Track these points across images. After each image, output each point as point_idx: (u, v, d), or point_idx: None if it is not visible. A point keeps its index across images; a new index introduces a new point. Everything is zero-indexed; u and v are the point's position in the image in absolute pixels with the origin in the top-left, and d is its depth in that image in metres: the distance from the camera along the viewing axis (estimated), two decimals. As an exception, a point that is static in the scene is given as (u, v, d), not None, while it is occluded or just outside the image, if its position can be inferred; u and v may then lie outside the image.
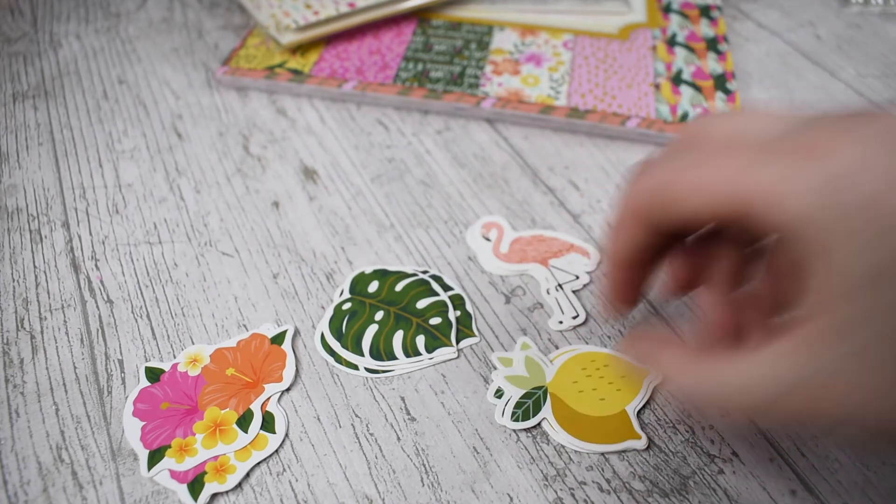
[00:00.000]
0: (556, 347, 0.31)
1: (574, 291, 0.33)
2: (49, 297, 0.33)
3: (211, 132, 0.42)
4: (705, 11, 0.50)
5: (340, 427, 0.28)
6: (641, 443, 0.27)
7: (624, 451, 0.27)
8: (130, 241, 0.35)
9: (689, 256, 0.25)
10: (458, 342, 0.31)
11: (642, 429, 0.28)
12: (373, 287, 0.33)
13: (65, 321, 0.32)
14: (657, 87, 0.43)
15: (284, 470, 0.27)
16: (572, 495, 0.26)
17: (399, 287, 0.33)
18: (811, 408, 0.18)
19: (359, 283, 0.33)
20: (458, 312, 0.32)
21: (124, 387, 0.29)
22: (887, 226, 0.16)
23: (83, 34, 0.49)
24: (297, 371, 0.30)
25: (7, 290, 0.33)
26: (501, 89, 0.43)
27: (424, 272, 0.34)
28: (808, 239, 0.17)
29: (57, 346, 0.31)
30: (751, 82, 0.46)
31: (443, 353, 0.31)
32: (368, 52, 0.46)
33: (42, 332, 0.31)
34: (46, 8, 0.52)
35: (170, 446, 0.27)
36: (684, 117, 0.41)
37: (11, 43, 0.48)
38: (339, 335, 0.31)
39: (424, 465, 0.27)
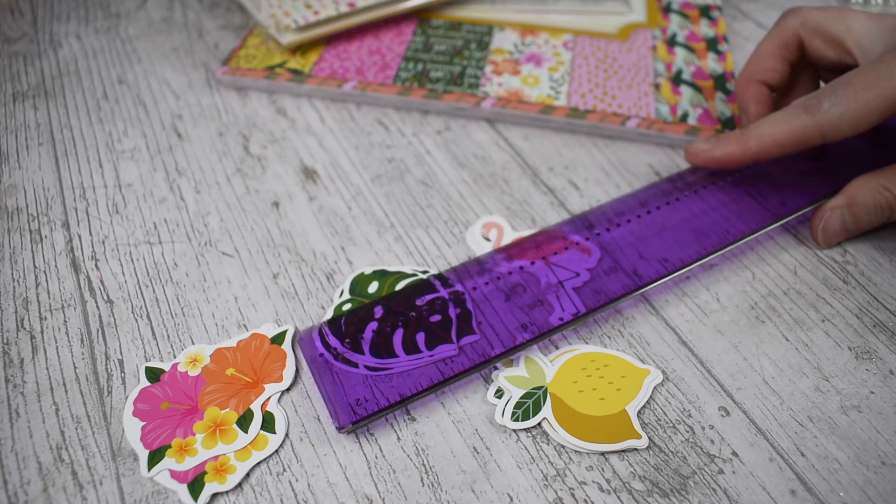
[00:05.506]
0: (556, 347, 0.31)
1: (574, 289, 0.33)
2: (49, 297, 0.33)
3: (211, 132, 0.42)
4: (705, 11, 0.50)
5: (340, 427, 0.28)
6: (642, 442, 0.27)
7: (624, 451, 0.27)
8: (130, 241, 0.35)
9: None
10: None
11: (642, 428, 0.28)
12: (373, 287, 0.33)
13: (65, 321, 0.32)
14: (657, 87, 0.43)
15: (284, 470, 0.27)
16: (572, 495, 0.26)
17: (399, 287, 0.33)
18: None
19: (359, 284, 0.33)
20: (459, 311, 0.32)
21: (124, 387, 0.29)
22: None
23: (83, 34, 0.49)
24: (297, 371, 0.30)
25: (7, 290, 0.33)
26: (501, 89, 0.43)
27: (424, 272, 0.34)
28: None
29: (57, 346, 0.31)
30: (751, 82, 0.46)
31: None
32: (368, 52, 0.46)
33: (42, 332, 0.31)
34: (46, 8, 0.52)
35: (170, 446, 0.27)
36: (684, 117, 0.41)
37: (11, 43, 0.48)
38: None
39: (424, 465, 0.27)
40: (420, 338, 0.30)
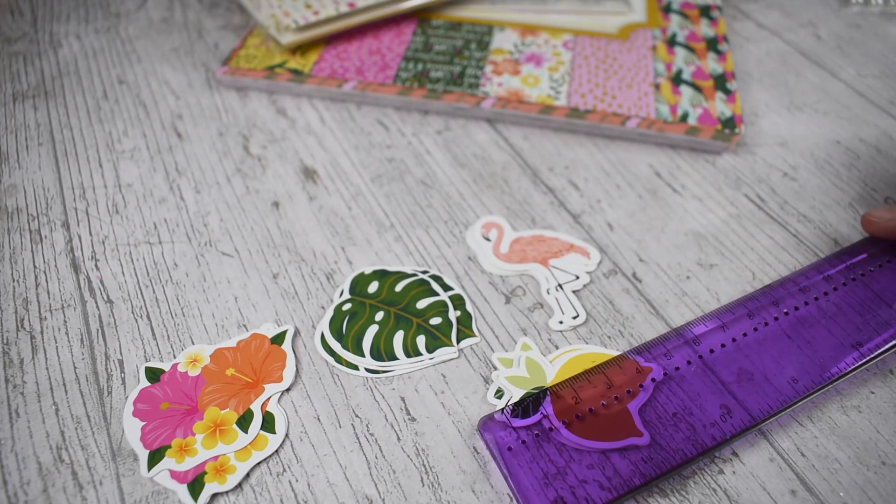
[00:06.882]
0: (556, 347, 0.31)
1: (574, 291, 0.33)
2: (49, 297, 0.33)
3: (211, 132, 0.42)
4: (705, 11, 0.50)
5: (340, 427, 0.28)
6: (644, 440, 0.27)
7: (626, 449, 0.27)
8: (130, 241, 0.35)
9: None
10: (458, 342, 0.31)
11: (645, 427, 0.28)
12: (373, 287, 0.33)
13: (65, 321, 0.32)
14: (657, 87, 0.43)
15: (284, 470, 0.27)
16: (573, 494, 0.26)
17: (399, 287, 0.33)
18: None
19: (359, 284, 0.33)
20: (459, 312, 0.32)
21: (124, 387, 0.29)
22: None
23: (83, 34, 0.49)
24: (297, 371, 0.30)
25: (7, 290, 0.33)
26: (501, 89, 0.43)
27: (424, 272, 0.34)
28: None
29: (57, 346, 0.31)
30: (751, 82, 0.46)
31: (443, 352, 0.31)
32: (368, 52, 0.46)
33: (42, 332, 0.31)
34: (46, 8, 0.52)
35: (170, 446, 0.27)
36: (684, 117, 0.41)
37: (11, 43, 0.48)
38: (339, 336, 0.31)
39: (424, 465, 0.27)
40: (420, 340, 0.30)
